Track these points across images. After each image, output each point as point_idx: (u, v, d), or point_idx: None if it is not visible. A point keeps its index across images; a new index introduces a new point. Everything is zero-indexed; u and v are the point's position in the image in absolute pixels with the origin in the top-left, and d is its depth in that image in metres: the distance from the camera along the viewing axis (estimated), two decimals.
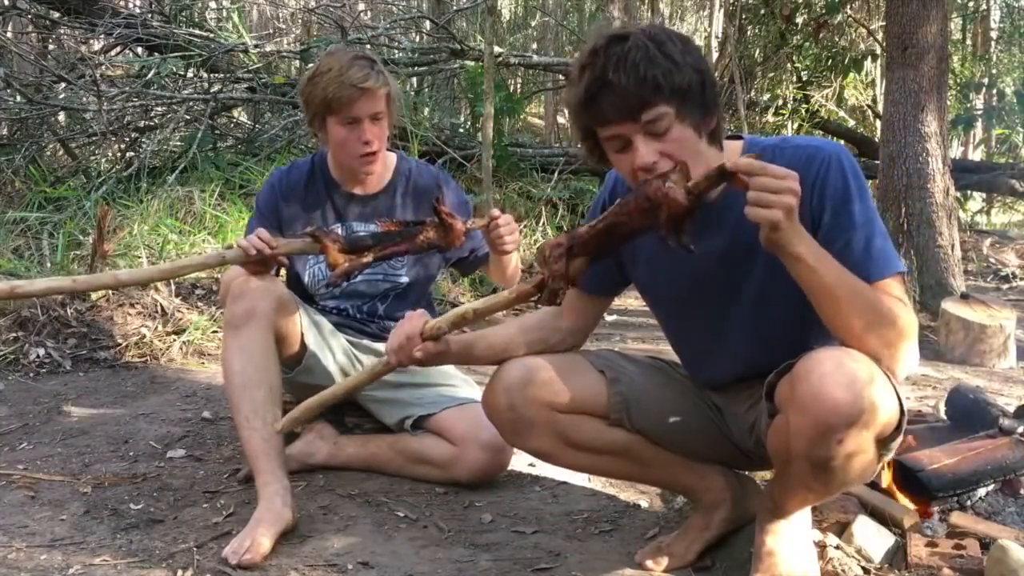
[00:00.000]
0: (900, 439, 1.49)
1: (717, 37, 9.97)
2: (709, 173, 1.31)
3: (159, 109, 5.81)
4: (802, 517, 1.58)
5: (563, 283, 1.44)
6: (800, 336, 1.53)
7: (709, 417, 1.71)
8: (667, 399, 1.69)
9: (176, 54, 5.67)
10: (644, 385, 1.68)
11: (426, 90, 7.95)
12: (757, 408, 1.60)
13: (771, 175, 1.29)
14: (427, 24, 8.00)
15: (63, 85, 5.74)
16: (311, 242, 1.99)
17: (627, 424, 1.66)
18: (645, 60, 1.38)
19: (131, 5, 8.02)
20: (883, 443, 1.44)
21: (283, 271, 2.33)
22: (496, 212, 2.10)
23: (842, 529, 1.71)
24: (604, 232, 1.40)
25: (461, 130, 7.60)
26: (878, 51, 7.98)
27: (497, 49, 6.39)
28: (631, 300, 5.45)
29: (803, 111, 8.07)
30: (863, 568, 1.62)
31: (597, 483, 2.18)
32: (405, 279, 2.30)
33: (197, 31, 6.21)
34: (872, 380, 1.35)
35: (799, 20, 8.13)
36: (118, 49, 6.48)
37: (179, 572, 1.66)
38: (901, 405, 1.42)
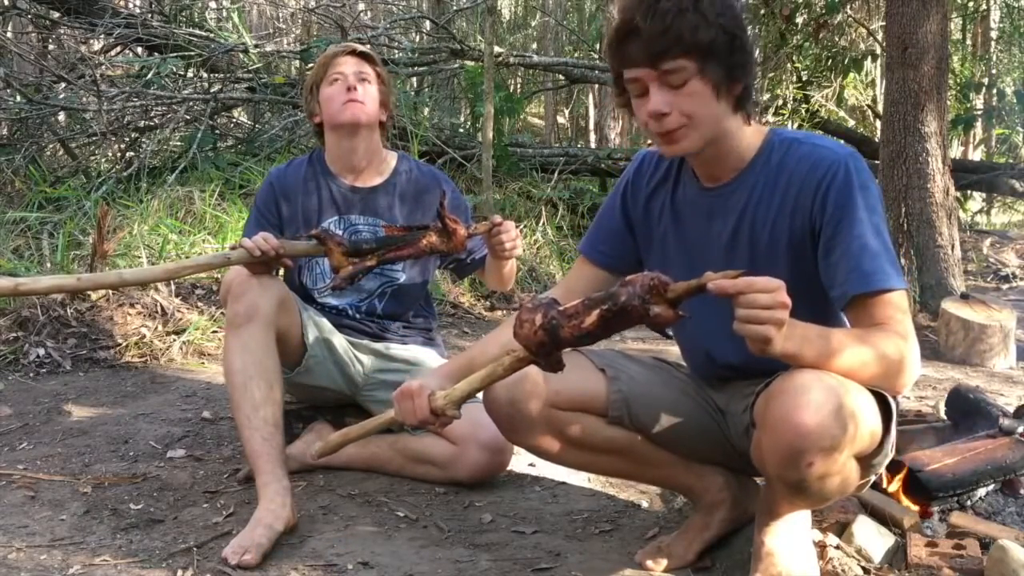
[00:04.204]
0: (886, 456, 1.49)
1: None
2: (689, 286, 1.27)
3: (159, 109, 5.80)
4: (801, 517, 1.58)
5: (559, 365, 1.43)
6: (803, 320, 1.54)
7: (711, 417, 1.71)
8: (668, 398, 1.69)
9: (176, 54, 5.67)
10: (645, 384, 1.68)
11: (426, 90, 7.95)
12: (747, 404, 1.60)
13: (759, 290, 1.23)
14: (427, 24, 8.00)
15: (63, 85, 5.74)
16: (315, 244, 2.00)
17: (627, 422, 1.65)
18: (675, 11, 1.39)
19: (131, 5, 8.02)
20: (866, 459, 1.45)
21: (282, 271, 2.33)
22: (498, 218, 2.11)
23: (842, 529, 1.71)
24: (583, 338, 1.36)
25: (461, 130, 7.60)
26: (878, 51, 7.98)
27: (497, 49, 6.39)
28: None
29: (803, 111, 8.07)
30: (863, 568, 1.62)
31: (597, 483, 2.18)
32: (402, 277, 2.30)
33: (197, 31, 6.20)
34: (845, 402, 1.33)
35: (799, 20, 8.12)
36: (118, 49, 6.48)
37: (179, 572, 1.66)
38: (889, 422, 1.42)
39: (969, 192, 8.33)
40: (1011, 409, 2.21)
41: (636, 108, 1.49)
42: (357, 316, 2.31)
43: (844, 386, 1.35)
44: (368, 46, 2.32)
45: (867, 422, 1.39)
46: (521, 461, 2.24)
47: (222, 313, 3.59)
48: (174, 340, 3.43)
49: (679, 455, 1.72)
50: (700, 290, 1.26)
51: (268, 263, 2.02)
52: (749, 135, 1.55)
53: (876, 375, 1.39)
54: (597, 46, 10.36)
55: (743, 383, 1.64)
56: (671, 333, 1.35)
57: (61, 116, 6.10)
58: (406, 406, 1.57)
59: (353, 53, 2.28)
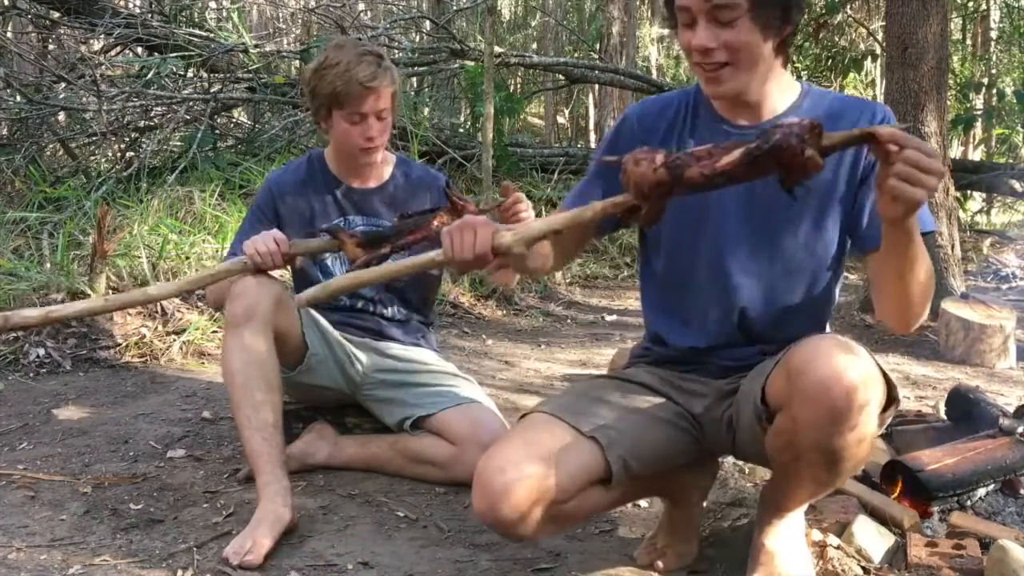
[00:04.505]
0: (897, 406, 1.48)
1: None
2: (849, 134, 1.23)
3: (159, 109, 5.80)
4: (798, 517, 1.58)
5: (661, 215, 1.33)
6: (806, 283, 1.56)
7: (687, 432, 1.64)
8: (653, 437, 1.59)
9: (176, 54, 5.67)
10: (632, 433, 1.57)
11: (426, 90, 7.95)
12: (730, 402, 1.59)
13: (923, 150, 1.22)
14: (427, 24, 8.00)
15: (63, 85, 5.74)
16: (328, 240, 2.00)
17: (624, 479, 1.56)
18: None
19: (131, 5, 8.03)
20: (880, 416, 1.43)
21: (286, 272, 2.34)
22: (510, 186, 2.09)
23: (842, 529, 1.71)
24: (715, 179, 1.27)
25: (461, 130, 7.61)
26: (878, 51, 7.98)
27: (497, 49, 6.39)
28: (631, 300, 5.45)
29: None
30: (863, 568, 1.62)
31: None
32: (406, 276, 2.30)
33: (197, 31, 6.20)
34: (861, 358, 1.36)
35: (799, 20, 8.15)
36: (118, 49, 6.48)
37: (179, 572, 1.66)
38: (885, 375, 1.41)
39: (969, 192, 8.33)
40: (1011, 409, 2.21)
41: (681, 37, 1.47)
42: (359, 317, 2.31)
43: (850, 344, 1.38)
44: (384, 61, 2.16)
45: (879, 375, 1.39)
46: None
47: (222, 313, 3.59)
48: (174, 340, 3.43)
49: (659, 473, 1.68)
50: (861, 139, 1.23)
51: (281, 266, 2.04)
52: (787, 80, 1.55)
53: (928, 289, 1.42)
54: (597, 46, 10.36)
55: (734, 378, 1.61)
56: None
57: (61, 116, 6.10)
58: (465, 238, 1.42)
59: (374, 90, 2.13)
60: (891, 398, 1.43)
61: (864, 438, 1.37)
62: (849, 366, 1.33)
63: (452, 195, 1.96)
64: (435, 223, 1.97)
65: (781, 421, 1.43)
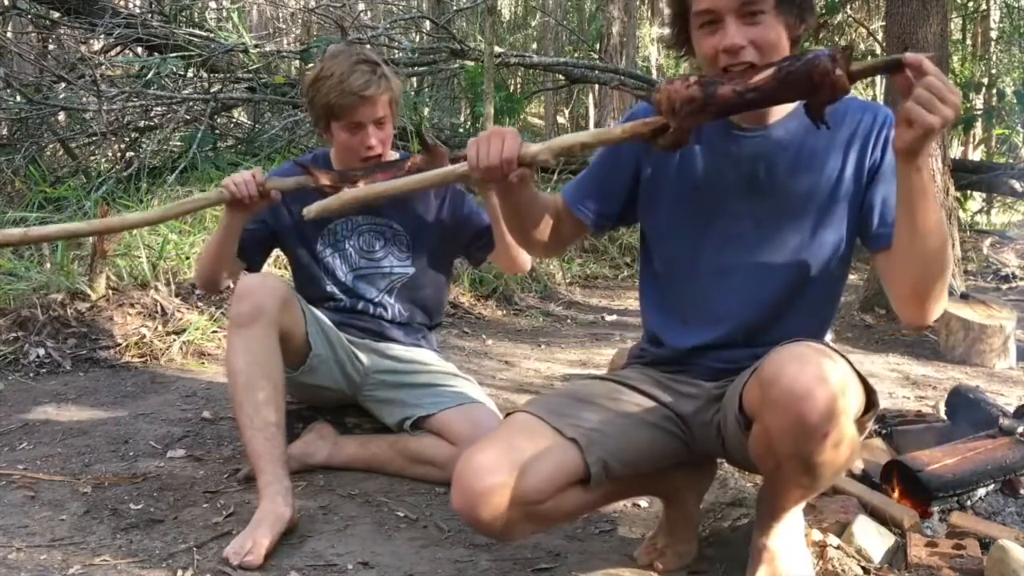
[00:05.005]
0: (876, 411, 1.48)
1: None
2: (876, 61, 1.26)
3: (159, 109, 5.81)
4: (796, 517, 1.58)
5: (687, 137, 1.35)
6: (809, 282, 1.56)
7: (676, 436, 1.63)
8: (637, 439, 1.59)
9: (176, 54, 5.67)
10: (615, 435, 1.56)
11: (426, 90, 7.96)
12: (718, 407, 1.59)
13: (943, 81, 1.25)
14: (427, 24, 8.01)
15: (63, 85, 5.74)
16: (303, 176, 2.04)
17: (604, 480, 1.55)
18: None
19: (131, 5, 8.03)
20: (860, 421, 1.43)
21: (288, 273, 2.34)
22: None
23: (842, 529, 1.71)
24: (747, 96, 1.29)
25: (461, 130, 7.61)
26: (878, 51, 7.98)
27: (497, 49, 6.39)
28: (631, 300, 5.45)
29: None
30: (863, 568, 1.62)
31: None
32: (411, 269, 2.30)
33: (197, 31, 6.21)
34: (837, 365, 1.35)
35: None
36: (118, 49, 6.48)
37: (179, 572, 1.66)
38: (864, 380, 1.41)
39: (969, 192, 8.33)
40: (1011, 409, 2.21)
41: (700, 41, 1.46)
42: (362, 317, 2.31)
43: (827, 351, 1.38)
44: (379, 68, 2.16)
45: (855, 379, 1.38)
46: None
47: (222, 313, 3.59)
48: (174, 340, 3.43)
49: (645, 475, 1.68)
50: (887, 66, 1.26)
51: (257, 200, 2.05)
52: None
53: (945, 260, 1.43)
54: (597, 46, 10.36)
55: (723, 382, 1.61)
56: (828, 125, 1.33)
57: (61, 116, 6.10)
58: (492, 144, 1.46)
59: (369, 99, 2.13)
60: (871, 403, 1.43)
61: (840, 445, 1.36)
62: (820, 376, 1.31)
63: (425, 137, 1.99)
64: (408, 163, 2.02)
65: (757, 430, 1.43)
